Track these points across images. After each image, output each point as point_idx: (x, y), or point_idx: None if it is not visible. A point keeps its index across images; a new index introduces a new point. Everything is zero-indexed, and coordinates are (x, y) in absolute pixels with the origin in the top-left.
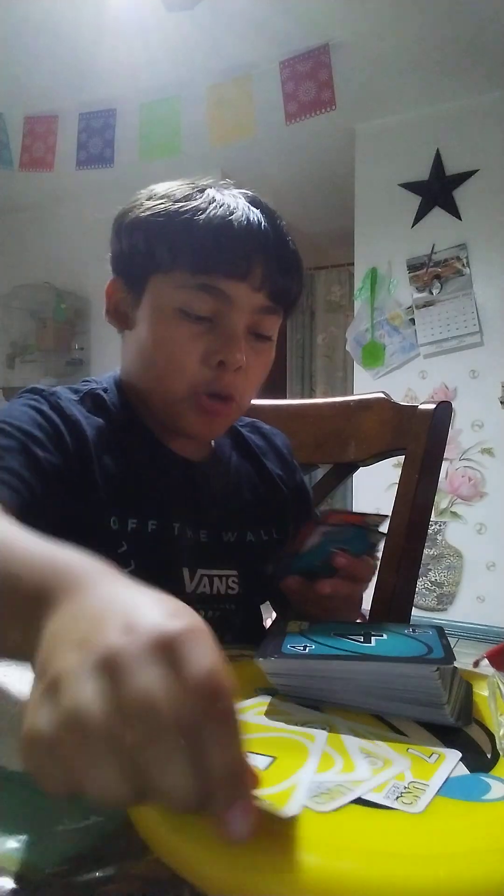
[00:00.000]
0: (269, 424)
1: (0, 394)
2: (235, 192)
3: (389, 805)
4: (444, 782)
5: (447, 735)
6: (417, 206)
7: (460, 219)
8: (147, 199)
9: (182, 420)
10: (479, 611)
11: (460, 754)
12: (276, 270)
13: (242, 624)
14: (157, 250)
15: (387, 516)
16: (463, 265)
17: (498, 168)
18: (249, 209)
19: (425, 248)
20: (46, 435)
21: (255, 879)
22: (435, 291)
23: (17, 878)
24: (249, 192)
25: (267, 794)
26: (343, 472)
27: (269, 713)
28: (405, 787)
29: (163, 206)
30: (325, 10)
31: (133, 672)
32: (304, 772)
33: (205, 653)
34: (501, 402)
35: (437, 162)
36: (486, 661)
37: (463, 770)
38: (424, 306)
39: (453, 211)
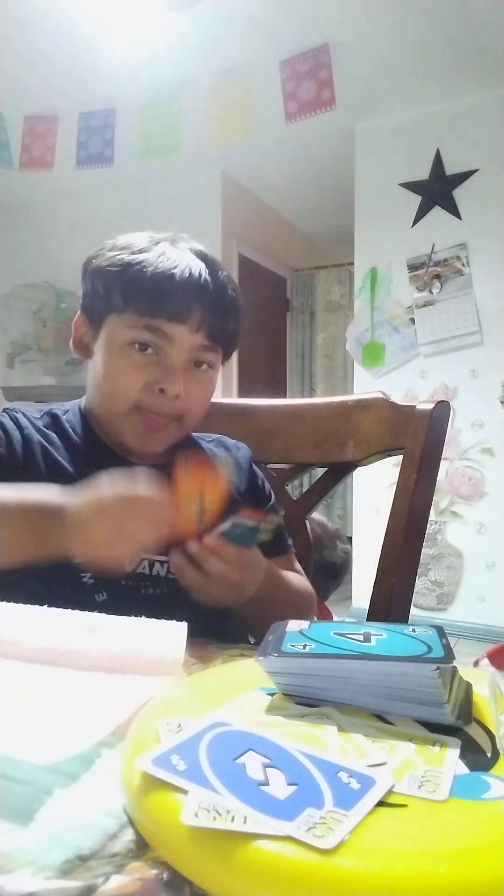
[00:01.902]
0: (233, 440)
1: (0, 393)
2: (186, 246)
3: (413, 794)
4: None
5: (447, 734)
6: (417, 206)
7: (460, 218)
8: (109, 250)
9: (126, 434)
10: (479, 610)
11: (459, 742)
12: (213, 315)
13: (190, 605)
14: (112, 295)
15: (278, 519)
16: (463, 265)
17: (498, 168)
18: (193, 262)
19: (425, 247)
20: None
21: (255, 879)
22: (435, 291)
23: (17, 878)
24: (198, 247)
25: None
26: (342, 471)
27: (270, 712)
28: (422, 777)
29: (120, 257)
30: (325, 9)
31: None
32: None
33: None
34: (501, 402)
35: (438, 161)
36: (486, 661)
37: (463, 769)
38: (424, 306)
39: (453, 210)
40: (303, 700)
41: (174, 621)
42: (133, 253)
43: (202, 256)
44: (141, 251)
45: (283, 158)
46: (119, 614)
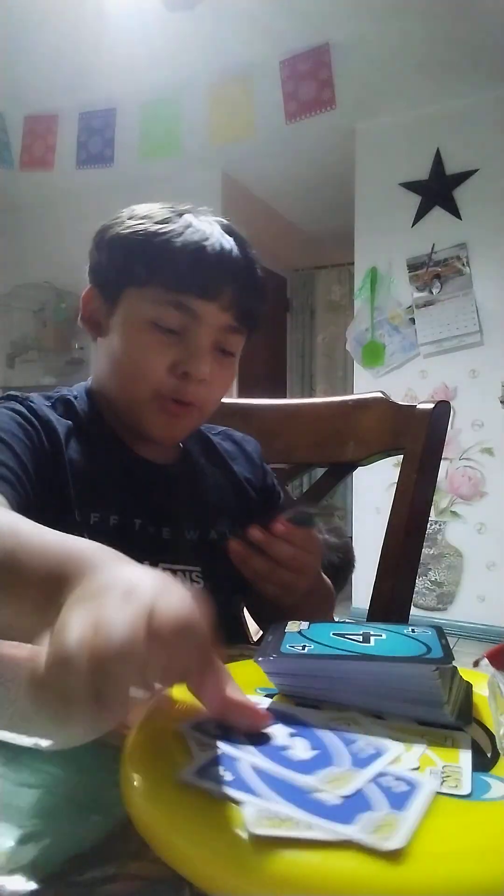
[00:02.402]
0: (241, 432)
1: (0, 393)
2: (212, 219)
3: (438, 791)
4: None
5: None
6: (417, 206)
7: (460, 218)
8: (128, 218)
9: (145, 422)
10: (479, 610)
11: (469, 736)
12: (243, 294)
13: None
14: (134, 266)
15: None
16: (463, 265)
17: (498, 167)
18: (223, 236)
19: (425, 247)
20: (27, 436)
21: (255, 879)
22: (435, 291)
23: (18, 878)
24: (224, 221)
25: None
26: (342, 471)
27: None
28: (442, 773)
29: (142, 226)
30: (325, 9)
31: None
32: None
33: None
34: (501, 402)
35: (438, 161)
36: (486, 661)
37: None
38: (424, 306)
39: (453, 210)
40: (303, 701)
41: None
42: (157, 223)
43: (230, 231)
44: (165, 221)
45: (283, 158)
46: None
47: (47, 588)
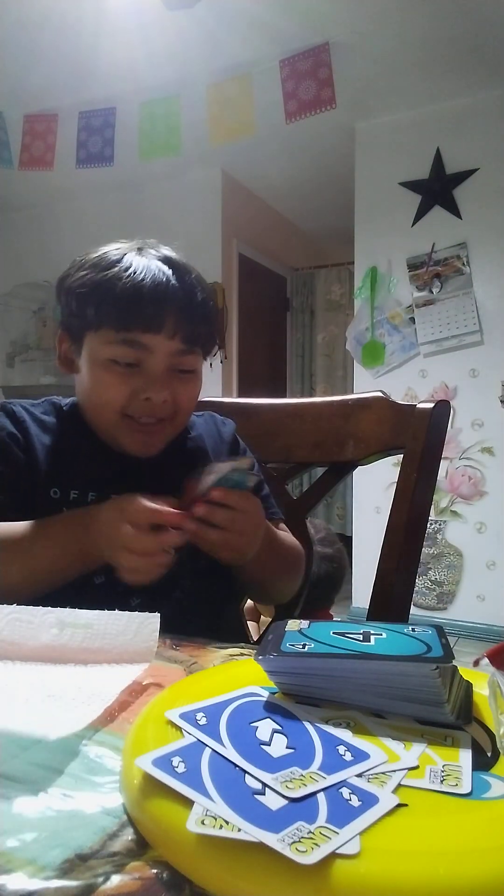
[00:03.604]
0: (226, 417)
1: (0, 392)
2: (152, 253)
3: (437, 789)
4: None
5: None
6: (417, 205)
7: (460, 217)
8: (78, 269)
9: (121, 440)
10: (479, 610)
11: (469, 735)
12: (186, 320)
13: (191, 585)
14: (86, 313)
15: (250, 462)
16: (463, 264)
17: (498, 167)
18: (160, 271)
19: (425, 246)
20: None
21: (255, 879)
22: (435, 290)
23: (17, 878)
24: (164, 252)
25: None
26: (342, 471)
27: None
28: (442, 772)
29: (88, 276)
30: (325, 8)
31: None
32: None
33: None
34: (501, 401)
35: (438, 161)
36: (486, 660)
37: None
38: (424, 305)
39: (453, 210)
40: (303, 700)
41: (146, 612)
42: (101, 270)
43: (168, 262)
44: (109, 266)
45: (283, 158)
46: (117, 599)
47: (80, 524)
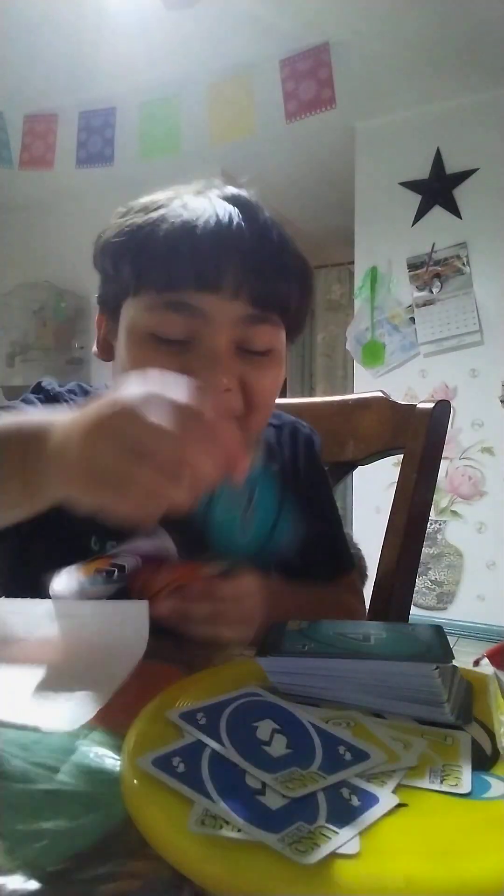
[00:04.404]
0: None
1: (0, 392)
2: (215, 193)
3: (437, 789)
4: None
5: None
6: (418, 205)
7: (460, 217)
8: (119, 217)
9: None
10: (479, 610)
11: (470, 735)
12: (254, 272)
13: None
14: (122, 272)
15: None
16: (463, 264)
17: (498, 167)
18: (221, 209)
19: (425, 246)
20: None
21: (255, 879)
22: (435, 290)
23: (18, 878)
24: (233, 191)
25: None
26: (342, 471)
27: None
28: (442, 771)
29: (130, 221)
30: (325, 8)
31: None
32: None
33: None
34: (501, 401)
35: (438, 160)
36: (486, 660)
37: None
38: (424, 305)
39: (453, 210)
40: (303, 700)
41: (135, 600)
42: (146, 213)
43: (235, 200)
44: (156, 208)
45: (283, 157)
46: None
47: (35, 436)
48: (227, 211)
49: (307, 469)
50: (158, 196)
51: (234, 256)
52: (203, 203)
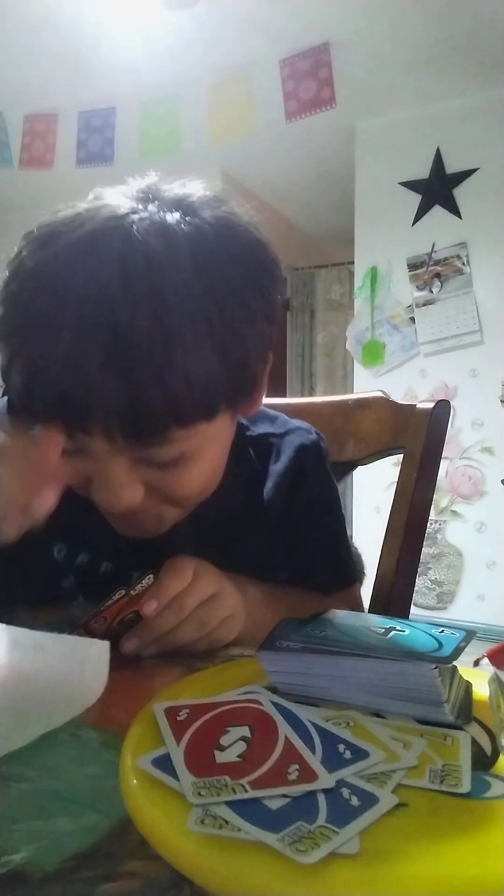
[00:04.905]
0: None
1: (0, 393)
2: (147, 220)
3: (437, 789)
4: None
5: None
6: (418, 205)
7: (461, 217)
8: (14, 258)
9: (111, 522)
10: (479, 609)
11: (469, 735)
12: (130, 400)
13: None
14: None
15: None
16: (463, 264)
17: (498, 166)
18: (98, 297)
19: (425, 246)
20: None
21: (255, 879)
22: (435, 290)
23: (17, 877)
24: (163, 222)
25: None
26: (341, 471)
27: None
28: (442, 771)
29: (11, 283)
30: (325, 8)
31: None
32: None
33: None
34: (501, 401)
35: (438, 160)
36: (486, 660)
37: None
38: (424, 305)
39: (454, 209)
40: (303, 699)
41: (97, 640)
42: (18, 278)
43: (155, 241)
44: (29, 275)
45: (283, 157)
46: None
47: None
48: (109, 293)
49: (314, 480)
50: (71, 214)
51: (102, 393)
52: (91, 268)
